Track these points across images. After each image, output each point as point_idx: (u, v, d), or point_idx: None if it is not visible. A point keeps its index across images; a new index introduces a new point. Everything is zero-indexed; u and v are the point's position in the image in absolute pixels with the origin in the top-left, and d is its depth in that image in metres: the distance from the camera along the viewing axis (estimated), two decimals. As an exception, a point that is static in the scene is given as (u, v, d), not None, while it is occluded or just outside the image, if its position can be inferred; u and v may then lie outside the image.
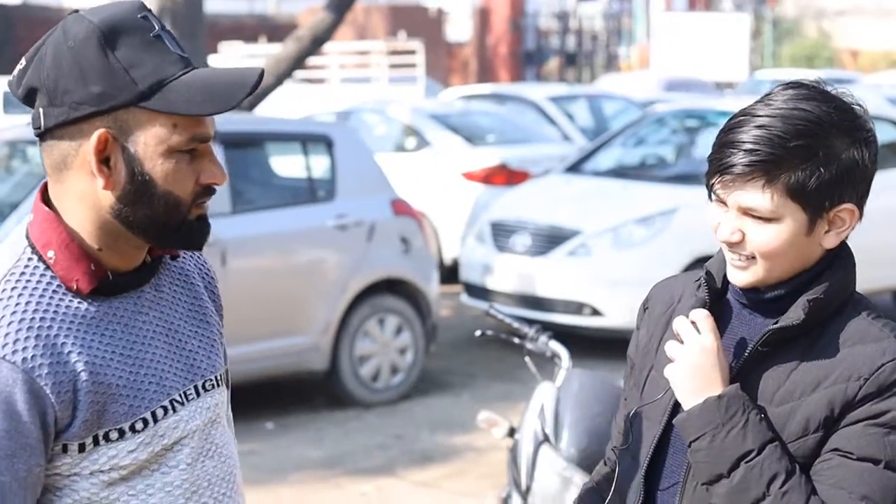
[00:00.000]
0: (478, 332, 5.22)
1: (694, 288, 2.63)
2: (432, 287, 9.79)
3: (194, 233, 2.35)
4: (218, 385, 2.50)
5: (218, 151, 8.44)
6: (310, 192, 9.49)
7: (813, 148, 2.40)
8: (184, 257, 2.55)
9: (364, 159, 9.74)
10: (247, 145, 9.35)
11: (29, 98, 2.29)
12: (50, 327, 2.24)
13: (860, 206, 2.49)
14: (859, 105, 2.50)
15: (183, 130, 2.26)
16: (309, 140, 9.67)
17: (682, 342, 2.50)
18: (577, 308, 10.43)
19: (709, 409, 2.44)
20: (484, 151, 13.94)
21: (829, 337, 2.47)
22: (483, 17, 37.64)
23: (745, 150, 2.40)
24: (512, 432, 5.00)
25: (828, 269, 2.50)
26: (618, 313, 10.33)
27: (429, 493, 7.64)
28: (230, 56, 26.93)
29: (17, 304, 2.24)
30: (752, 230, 2.44)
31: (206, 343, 2.50)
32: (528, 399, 4.99)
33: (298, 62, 13.76)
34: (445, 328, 10.99)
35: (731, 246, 2.48)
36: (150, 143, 2.25)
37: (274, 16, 37.25)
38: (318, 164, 9.71)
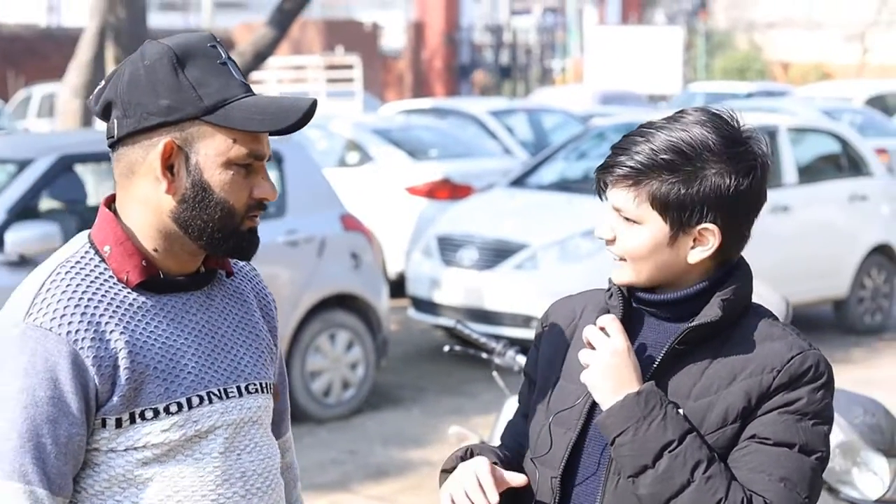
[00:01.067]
0: (446, 348, 5.26)
1: (602, 299, 2.81)
2: (382, 302, 9.82)
3: (244, 243, 2.57)
4: (263, 391, 2.68)
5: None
6: (260, 208, 9.48)
7: (681, 164, 2.60)
8: (241, 280, 2.76)
9: (313, 175, 9.76)
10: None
11: (105, 112, 2.53)
12: (96, 307, 2.47)
13: (728, 230, 2.65)
14: (750, 136, 2.67)
15: (241, 146, 2.51)
16: (258, 156, 9.66)
17: (593, 348, 2.64)
18: (525, 321, 10.49)
19: (628, 405, 2.58)
20: (427, 166, 14.00)
21: (739, 337, 2.66)
22: (417, 31, 37.75)
23: (625, 156, 2.63)
24: (482, 446, 5.04)
25: (728, 276, 2.69)
26: (565, 326, 10.40)
27: (385, 507, 7.68)
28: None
29: (67, 286, 2.48)
30: (620, 230, 2.67)
31: (253, 352, 2.69)
32: (498, 413, 5.04)
33: (241, 77, 13.76)
34: (393, 343, 11.02)
35: (607, 244, 2.70)
36: (210, 154, 2.50)
37: (209, 30, 37.14)
38: (268, 181, 9.69)
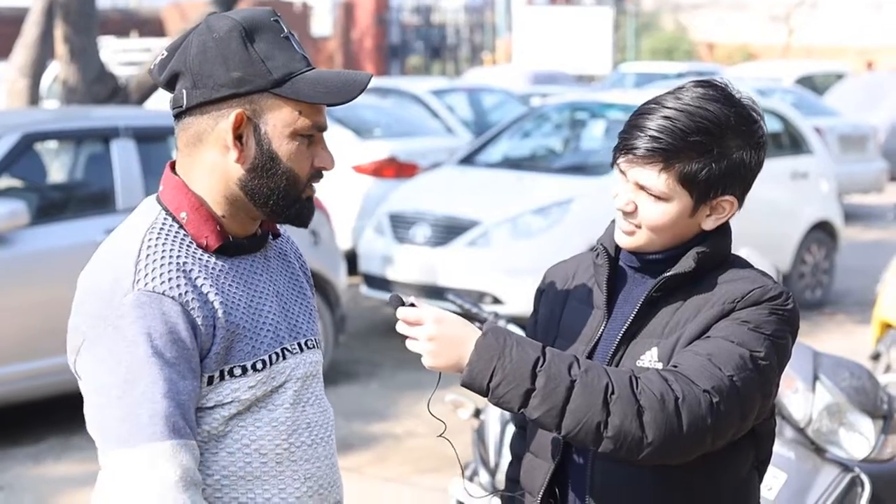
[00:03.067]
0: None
1: (590, 260, 2.97)
2: (340, 278, 9.91)
3: (304, 210, 2.70)
4: (317, 347, 2.82)
5: (129, 146, 8.54)
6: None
7: (708, 145, 2.75)
8: (284, 241, 2.88)
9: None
10: (153, 139, 9.37)
11: (170, 83, 2.60)
12: (191, 270, 2.59)
13: (741, 199, 2.85)
14: (757, 111, 2.84)
15: (306, 117, 2.61)
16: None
17: (411, 326, 2.67)
18: (478, 297, 10.61)
19: (482, 347, 2.62)
20: (373, 144, 14.07)
21: (709, 281, 2.82)
22: (347, 12, 37.72)
23: (649, 136, 2.75)
24: (478, 413, 5.17)
25: (710, 236, 2.85)
26: (517, 301, 10.55)
27: (352, 478, 7.76)
28: (106, 51, 26.63)
29: (164, 251, 2.58)
30: (644, 204, 2.80)
31: (305, 310, 2.84)
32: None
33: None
34: (347, 319, 11.13)
35: (625, 214, 2.82)
36: (278, 125, 2.60)
37: (137, 10, 36.94)
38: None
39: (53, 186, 8.93)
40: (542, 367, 2.61)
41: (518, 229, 10.85)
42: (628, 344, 2.82)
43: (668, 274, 2.80)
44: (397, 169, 13.73)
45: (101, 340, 2.51)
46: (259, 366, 2.64)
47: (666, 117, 2.75)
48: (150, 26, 29.73)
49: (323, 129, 2.66)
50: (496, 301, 10.60)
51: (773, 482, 4.62)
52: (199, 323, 2.54)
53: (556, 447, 2.92)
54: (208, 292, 2.57)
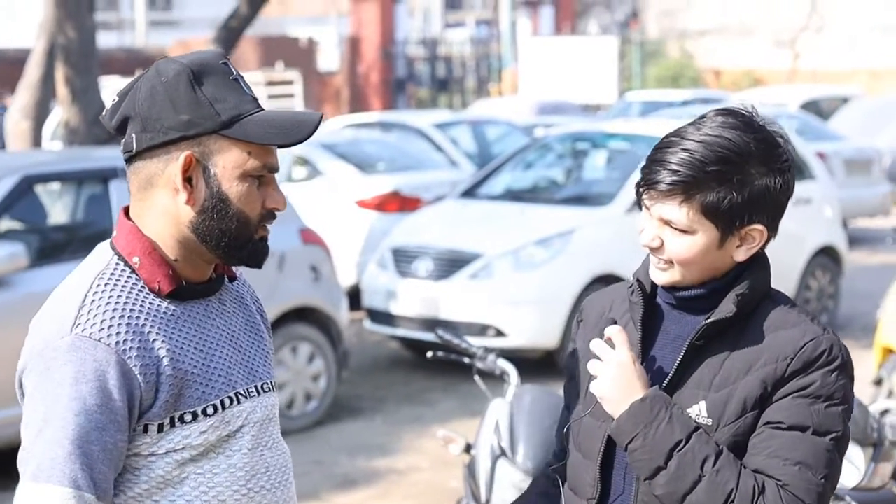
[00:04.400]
0: (429, 354, 5.40)
1: (626, 294, 2.94)
2: (342, 314, 9.93)
3: (257, 252, 2.72)
4: (273, 390, 2.83)
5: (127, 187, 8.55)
6: (220, 224, 9.52)
7: (729, 174, 2.72)
8: (240, 285, 2.88)
9: (270, 190, 9.84)
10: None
11: (121, 127, 2.63)
12: (138, 317, 2.59)
13: (771, 226, 2.81)
14: (781, 136, 2.81)
15: (256, 158, 2.64)
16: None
17: (601, 360, 2.79)
18: (482, 330, 10.62)
19: (636, 411, 2.72)
20: (376, 179, 14.09)
21: (755, 327, 2.78)
22: (353, 46, 37.78)
23: (669, 170, 2.73)
24: (468, 448, 5.17)
25: (746, 270, 2.81)
26: (521, 333, 10.57)
27: (355, 515, 7.78)
28: (113, 90, 26.76)
29: (110, 297, 2.59)
30: (669, 239, 2.77)
31: (261, 353, 2.84)
32: (483, 416, 5.17)
33: (188, 95, 13.78)
34: (349, 355, 11.13)
35: (652, 251, 2.80)
36: (227, 166, 2.63)
37: (143, 48, 37.06)
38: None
39: (53, 228, 8.94)
40: (679, 451, 2.69)
41: (520, 261, 10.85)
42: (672, 393, 2.80)
43: (709, 321, 2.77)
44: (401, 203, 13.74)
45: (32, 378, 2.57)
46: (210, 411, 2.65)
47: (686, 150, 2.73)
48: (156, 65, 29.80)
49: (274, 169, 2.68)
50: (499, 333, 10.60)
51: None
52: (137, 372, 2.55)
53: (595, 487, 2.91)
54: (154, 339, 2.58)
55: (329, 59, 39.41)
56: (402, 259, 11.38)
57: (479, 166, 15.81)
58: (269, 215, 2.70)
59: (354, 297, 12.56)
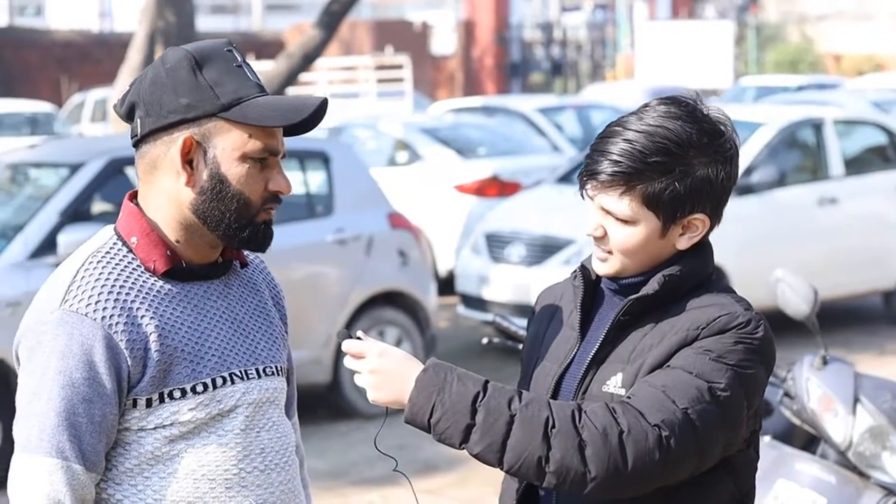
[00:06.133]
0: (484, 340, 5.33)
1: (571, 281, 2.91)
2: (430, 299, 9.93)
3: (259, 235, 2.75)
4: (278, 374, 2.85)
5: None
6: (308, 207, 9.60)
7: (670, 164, 2.70)
8: (254, 271, 2.94)
9: (360, 174, 9.88)
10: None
11: (130, 114, 2.69)
12: (128, 294, 2.65)
13: (714, 215, 2.79)
14: (725, 125, 2.77)
15: (256, 140, 2.69)
16: (306, 156, 9.77)
17: (355, 359, 2.67)
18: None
19: (424, 383, 2.61)
20: (475, 164, 14.08)
21: (679, 307, 2.74)
22: (467, 30, 37.81)
23: (610, 160, 2.71)
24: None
25: (685, 256, 2.77)
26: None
27: (434, 500, 7.76)
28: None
29: (100, 274, 2.66)
30: (612, 229, 2.75)
31: (268, 338, 2.87)
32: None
33: (290, 79, 13.88)
34: (443, 339, 11.12)
35: (595, 240, 2.78)
36: (227, 148, 2.68)
37: (259, 32, 37.37)
38: (316, 180, 9.84)
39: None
40: (481, 401, 2.57)
41: (613, 247, 10.74)
42: (597, 368, 2.77)
43: (632, 297, 2.75)
44: (499, 188, 13.72)
45: (24, 351, 2.66)
46: (199, 388, 2.69)
47: (626, 140, 2.71)
48: (270, 49, 30.03)
49: (276, 152, 2.73)
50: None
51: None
52: (124, 346, 2.61)
53: None
54: (142, 316, 2.64)
55: (444, 42, 39.44)
56: (496, 244, 11.35)
57: (581, 151, 15.72)
58: (273, 198, 2.75)
59: (453, 282, 12.54)
